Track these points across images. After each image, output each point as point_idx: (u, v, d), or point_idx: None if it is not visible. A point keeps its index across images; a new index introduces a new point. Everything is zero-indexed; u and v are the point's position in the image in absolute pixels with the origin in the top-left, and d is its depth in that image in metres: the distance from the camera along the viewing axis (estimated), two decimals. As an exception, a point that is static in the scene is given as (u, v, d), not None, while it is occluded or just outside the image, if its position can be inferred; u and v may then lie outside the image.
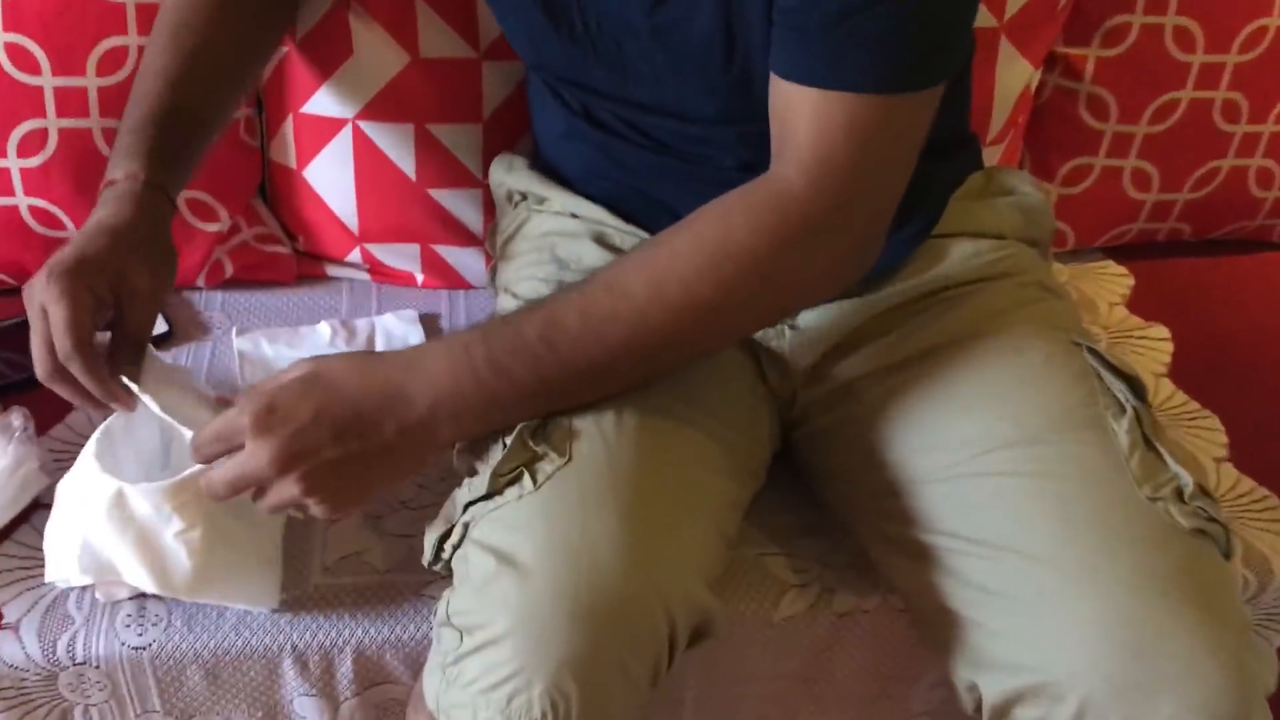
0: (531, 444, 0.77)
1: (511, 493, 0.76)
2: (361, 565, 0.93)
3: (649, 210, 0.96)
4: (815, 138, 0.76)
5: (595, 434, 0.78)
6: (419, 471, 0.96)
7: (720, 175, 0.90)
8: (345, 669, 0.90)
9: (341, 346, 1.12)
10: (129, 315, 0.83)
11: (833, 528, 0.98)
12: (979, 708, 0.81)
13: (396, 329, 1.15)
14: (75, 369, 0.79)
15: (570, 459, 0.77)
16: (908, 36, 0.74)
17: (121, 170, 0.85)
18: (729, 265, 0.76)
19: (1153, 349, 1.21)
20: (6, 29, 1.03)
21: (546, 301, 0.78)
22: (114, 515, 0.82)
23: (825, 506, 0.98)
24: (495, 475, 0.77)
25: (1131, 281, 1.30)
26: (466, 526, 0.78)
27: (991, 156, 1.23)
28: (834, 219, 0.78)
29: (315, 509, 0.77)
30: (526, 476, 0.76)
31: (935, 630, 0.84)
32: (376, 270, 1.22)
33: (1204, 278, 1.33)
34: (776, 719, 1.01)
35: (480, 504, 0.78)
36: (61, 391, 0.82)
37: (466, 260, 1.21)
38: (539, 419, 0.79)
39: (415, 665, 0.91)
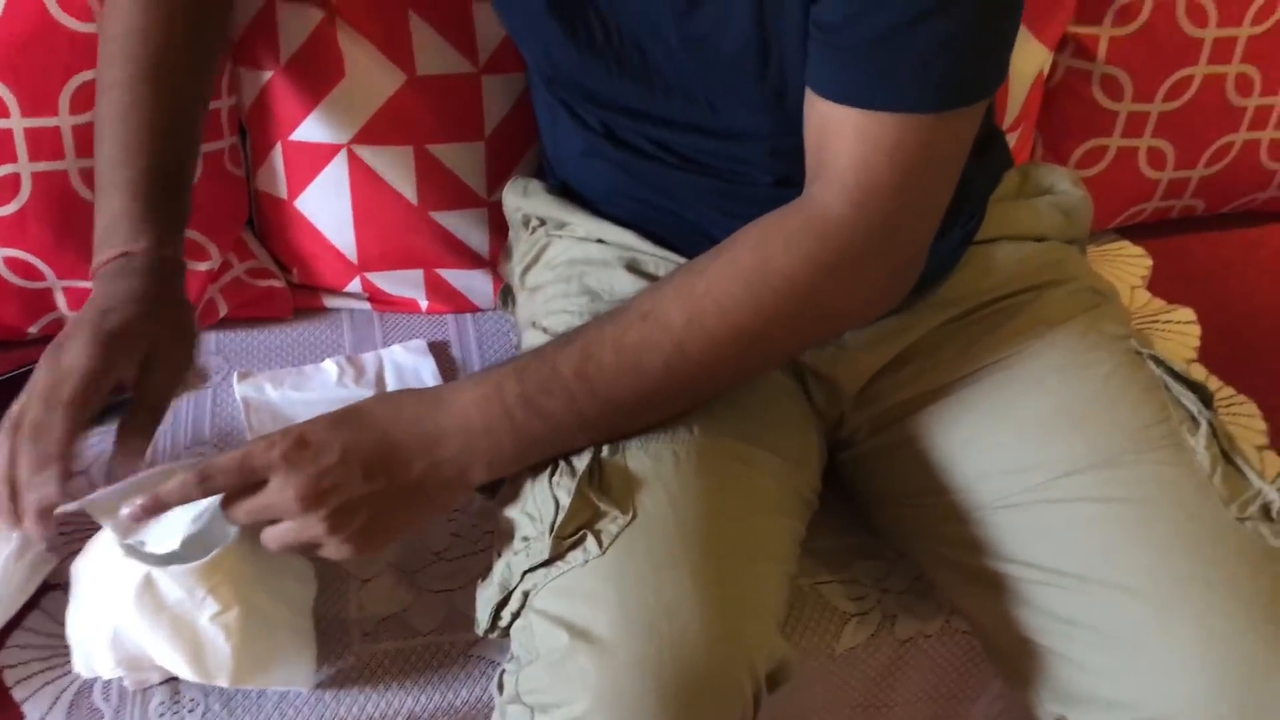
0: (594, 498, 0.73)
1: (575, 557, 0.71)
2: (402, 627, 0.88)
3: (680, 231, 0.91)
4: (857, 160, 0.72)
5: (657, 484, 0.74)
6: (447, 512, 0.93)
7: (755, 192, 0.85)
8: (396, 740, 0.85)
9: (350, 384, 1.06)
10: (155, 386, 0.79)
11: (886, 549, 0.95)
12: None
13: (406, 361, 1.09)
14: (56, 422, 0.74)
15: (634, 516, 0.72)
16: (956, 53, 0.70)
17: (140, 243, 0.81)
18: (767, 293, 0.73)
19: (1180, 333, 1.19)
20: (-32, 69, 0.95)
21: (580, 334, 0.75)
22: (144, 603, 0.76)
23: (877, 529, 0.95)
24: (557, 539, 0.72)
25: (1150, 262, 1.28)
26: (526, 594, 0.73)
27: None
28: (876, 244, 0.74)
29: (337, 549, 0.73)
30: (591, 539, 0.71)
31: (1012, 661, 0.81)
32: (378, 299, 1.16)
33: (1220, 253, 1.30)
34: (835, 749, 0.98)
35: (541, 570, 0.73)
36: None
37: (472, 283, 1.15)
38: (594, 462, 0.74)
39: (468, 730, 0.86)
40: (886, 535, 0.94)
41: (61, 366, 0.74)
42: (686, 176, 0.88)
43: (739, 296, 0.73)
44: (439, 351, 1.12)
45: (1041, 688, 0.78)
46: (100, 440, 0.86)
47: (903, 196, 0.73)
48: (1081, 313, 0.87)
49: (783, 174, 0.84)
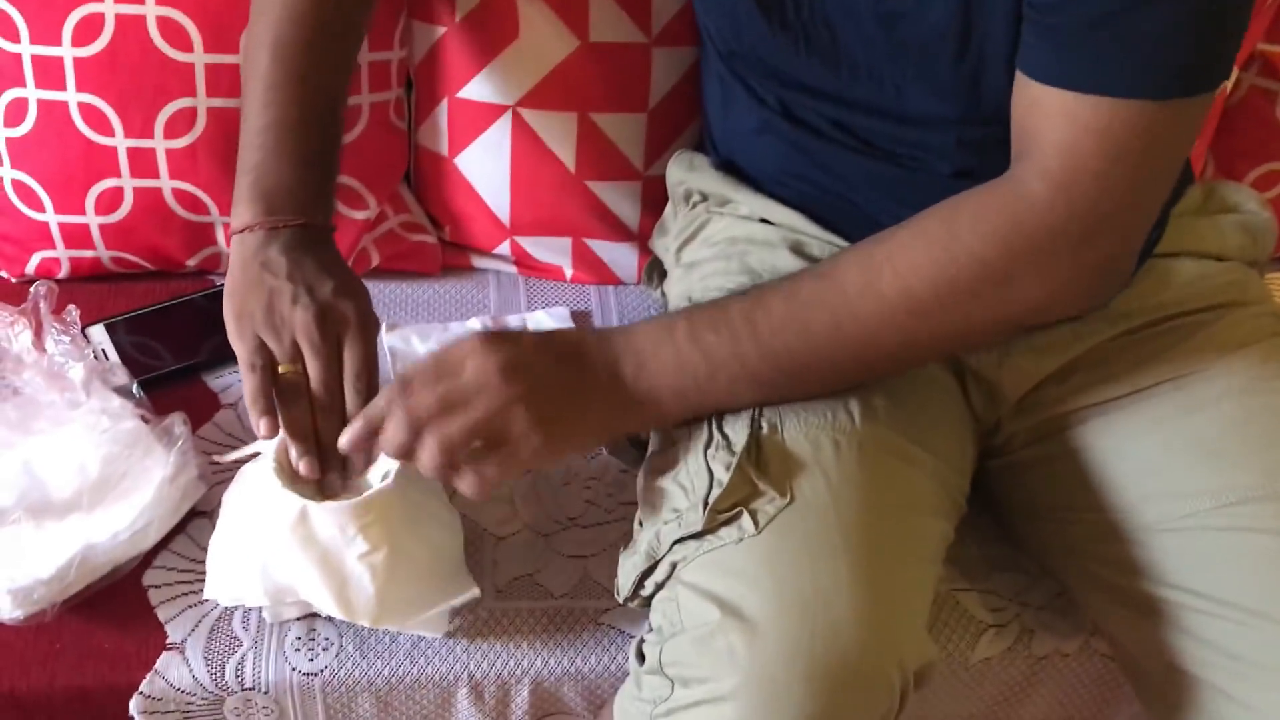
0: (753, 476, 0.71)
1: (728, 533, 0.70)
2: (535, 588, 0.88)
3: (849, 217, 0.89)
4: (1063, 143, 0.69)
5: (816, 470, 0.72)
6: (615, 436, 0.86)
7: (934, 182, 0.83)
8: (521, 699, 0.85)
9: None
10: (359, 352, 0.80)
11: (1026, 563, 0.92)
12: None
13: (549, 327, 1.09)
14: (324, 422, 0.79)
15: (792, 499, 0.71)
16: (1183, 38, 0.66)
17: (320, 216, 0.84)
18: (950, 266, 0.71)
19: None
20: (160, 2, 0.97)
21: (755, 286, 0.76)
22: (297, 535, 0.77)
23: (1020, 541, 0.92)
24: (712, 512, 0.71)
25: (1317, 296, 1.23)
26: (674, 565, 0.73)
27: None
28: (1076, 234, 0.71)
29: (526, 444, 0.72)
30: (747, 517, 0.70)
31: (1159, 689, 0.78)
32: (524, 263, 1.16)
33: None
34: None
35: (691, 541, 0.72)
36: (259, 414, 0.78)
37: (618, 256, 1.14)
38: (751, 440, 0.73)
39: (592, 698, 0.86)
40: (1029, 548, 0.91)
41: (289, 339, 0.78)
42: (863, 160, 0.86)
43: (920, 265, 0.71)
44: (580, 321, 1.11)
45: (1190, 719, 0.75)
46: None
47: (1109, 185, 0.69)
48: (1265, 338, 0.83)
49: (965, 165, 0.82)
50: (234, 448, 0.85)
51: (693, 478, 0.74)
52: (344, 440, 0.75)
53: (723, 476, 0.72)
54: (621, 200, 1.11)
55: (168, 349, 1.02)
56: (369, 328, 0.81)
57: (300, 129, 0.83)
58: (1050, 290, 0.73)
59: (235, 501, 0.82)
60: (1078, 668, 0.90)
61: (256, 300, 0.79)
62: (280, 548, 0.77)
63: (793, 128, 0.88)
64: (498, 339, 0.72)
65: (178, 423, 0.88)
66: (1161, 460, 0.80)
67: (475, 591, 0.82)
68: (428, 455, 0.71)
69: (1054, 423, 0.86)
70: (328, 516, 0.77)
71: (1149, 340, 0.84)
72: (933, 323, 0.73)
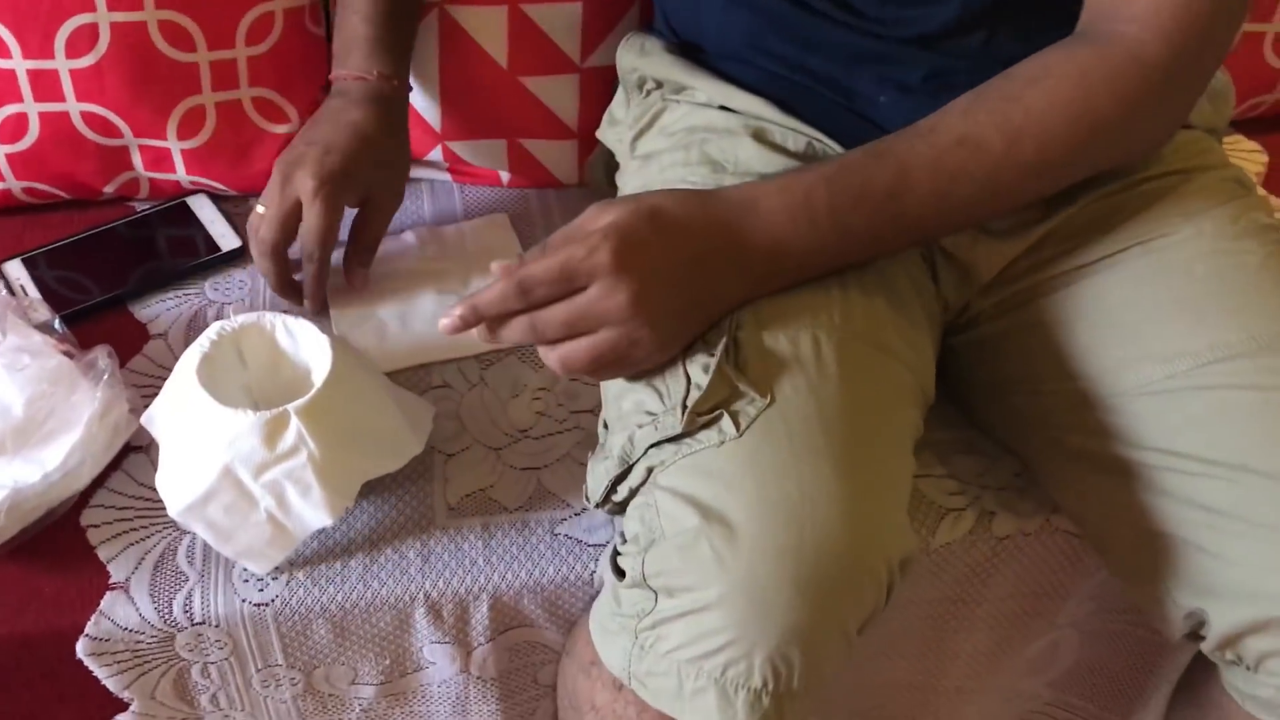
0: (732, 377, 0.69)
1: (708, 436, 0.68)
2: (488, 503, 0.86)
3: (816, 101, 0.85)
4: (1178, 1, 0.71)
5: (796, 369, 0.70)
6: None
7: (919, 59, 0.81)
8: (480, 615, 0.83)
9: (431, 256, 1.02)
10: (369, 225, 0.94)
11: (986, 445, 0.91)
12: (1193, 634, 0.75)
13: (490, 236, 1.05)
14: (309, 270, 0.90)
15: (772, 400, 0.68)
16: None
17: (375, 67, 0.93)
18: (1084, 130, 0.73)
19: (1297, 233, 1.13)
20: (46, -89, 0.91)
21: (889, 149, 0.73)
22: (241, 449, 0.76)
23: (981, 420, 0.91)
24: (692, 414, 0.68)
25: (1266, 159, 1.21)
26: (649, 470, 0.70)
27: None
28: (1187, 83, 0.75)
29: (649, 358, 0.70)
30: (727, 419, 0.68)
31: (1134, 554, 0.77)
32: (458, 169, 1.12)
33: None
34: (919, 640, 0.96)
35: (668, 445, 0.69)
36: (267, 269, 0.91)
37: (557, 156, 1.10)
38: (730, 340, 0.71)
39: (552, 608, 0.84)
40: (992, 428, 0.90)
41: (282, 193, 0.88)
42: (847, 34, 0.82)
43: (1059, 132, 0.72)
44: (522, 229, 1.07)
45: (1171, 582, 0.74)
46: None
47: (1213, 28, 0.73)
48: (1231, 200, 0.81)
49: (960, 41, 0.80)
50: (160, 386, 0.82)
51: (668, 382, 0.71)
52: (444, 324, 0.71)
53: (701, 380, 0.69)
54: (559, 96, 1.07)
55: (91, 280, 0.98)
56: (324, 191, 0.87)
57: None
58: (1162, 135, 0.79)
59: (168, 423, 0.80)
60: (1039, 546, 0.90)
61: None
62: (228, 461, 0.76)
63: None
64: (629, 258, 0.67)
65: (102, 356, 0.84)
66: (1135, 325, 0.78)
67: (417, 449, 0.84)
68: (548, 361, 0.71)
69: (1023, 294, 0.84)
70: (259, 426, 0.75)
71: (1118, 207, 0.82)
72: (1058, 177, 0.77)
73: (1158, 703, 1.04)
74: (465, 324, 0.70)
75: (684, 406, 0.68)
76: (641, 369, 0.72)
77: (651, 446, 0.69)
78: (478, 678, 0.88)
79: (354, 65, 0.94)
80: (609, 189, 1.02)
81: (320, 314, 0.95)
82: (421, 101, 1.06)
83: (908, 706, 1.03)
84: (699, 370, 0.69)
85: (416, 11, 1.00)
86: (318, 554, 0.82)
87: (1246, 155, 1.22)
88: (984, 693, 1.03)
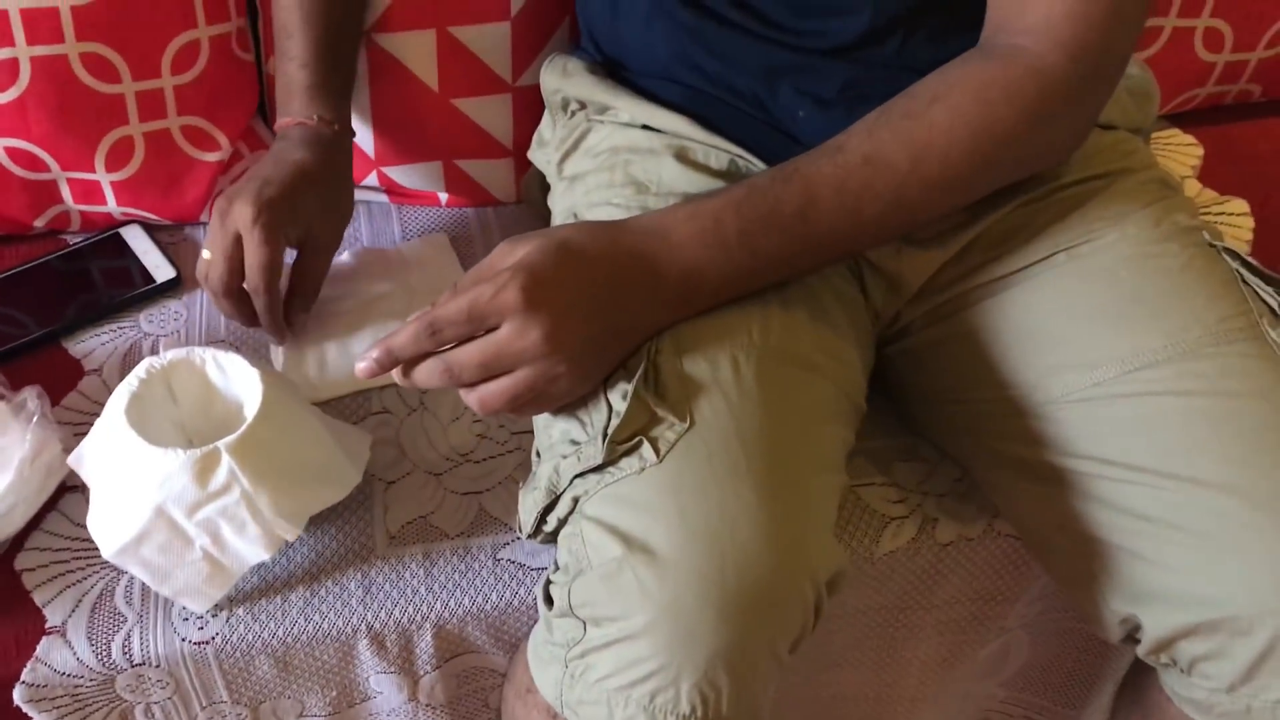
0: (651, 403, 0.68)
1: (629, 464, 0.68)
2: (429, 530, 0.86)
3: (738, 117, 0.85)
4: (1074, 12, 0.72)
5: (715, 390, 0.69)
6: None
7: (835, 71, 0.81)
8: (425, 644, 0.83)
9: (370, 278, 1.02)
10: (309, 266, 0.92)
11: (927, 451, 0.92)
12: (1130, 638, 0.76)
13: (429, 256, 1.04)
14: (260, 303, 0.87)
15: (692, 424, 0.68)
16: None
17: (315, 112, 0.92)
18: (987, 144, 0.73)
19: (1233, 225, 1.14)
20: (-41, -55, 0.90)
21: (795, 170, 0.73)
22: (173, 487, 0.75)
23: (921, 428, 0.91)
24: (611, 444, 0.68)
25: (1201, 151, 1.22)
26: (575, 500, 0.70)
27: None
28: (1089, 93, 0.76)
29: (567, 394, 0.70)
30: (647, 446, 0.67)
31: (1070, 561, 0.78)
32: (395, 192, 1.11)
33: (1276, 142, 1.24)
34: (870, 650, 0.97)
35: (592, 475, 0.69)
36: (228, 311, 0.90)
37: (494, 174, 1.10)
38: (648, 365, 0.70)
39: (498, 634, 0.84)
40: (931, 435, 0.91)
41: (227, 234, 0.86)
42: (763, 47, 0.82)
43: (963, 148, 0.73)
44: (461, 248, 1.07)
45: (1106, 587, 0.75)
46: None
47: (1112, 44, 0.74)
48: (1153, 203, 0.81)
49: (870, 50, 0.81)
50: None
51: (590, 409, 0.71)
52: (361, 368, 0.70)
53: (620, 406, 0.69)
54: (492, 116, 1.06)
55: (24, 316, 0.97)
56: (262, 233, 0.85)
57: (293, 26, 0.93)
58: (1060, 145, 0.78)
59: (100, 463, 0.79)
60: (984, 551, 0.90)
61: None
62: (161, 499, 0.75)
63: (686, 9, 0.84)
64: (539, 294, 0.67)
65: (32, 397, 0.83)
66: (1061, 333, 0.78)
67: (355, 480, 0.82)
68: (468, 403, 0.70)
69: (952, 303, 0.84)
70: (188, 465, 0.74)
71: (1041, 212, 0.82)
72: (963, 192, 0.76)
73: (1105, 699, 1.05)
74: (381, 366, 0.70)
75: (605, 435, 0.68)
76: (565, 403, 0.71)
77: (576, 477, 0.69)
78: (427, 705, 0.88)
79: (295, 111, 0.93)
80: (546, 206, 1.02)
81: (284, 342, 0.93)
82: (355, 128, 1.05)
83: (863, 718, 1.03)
84: (618, 397, 0.69)
85: (354, 55, 0.99)
86: (258, 589, 0.81)
87: (1182, 149, 1.23)
88: (939, 698, 1.04)
